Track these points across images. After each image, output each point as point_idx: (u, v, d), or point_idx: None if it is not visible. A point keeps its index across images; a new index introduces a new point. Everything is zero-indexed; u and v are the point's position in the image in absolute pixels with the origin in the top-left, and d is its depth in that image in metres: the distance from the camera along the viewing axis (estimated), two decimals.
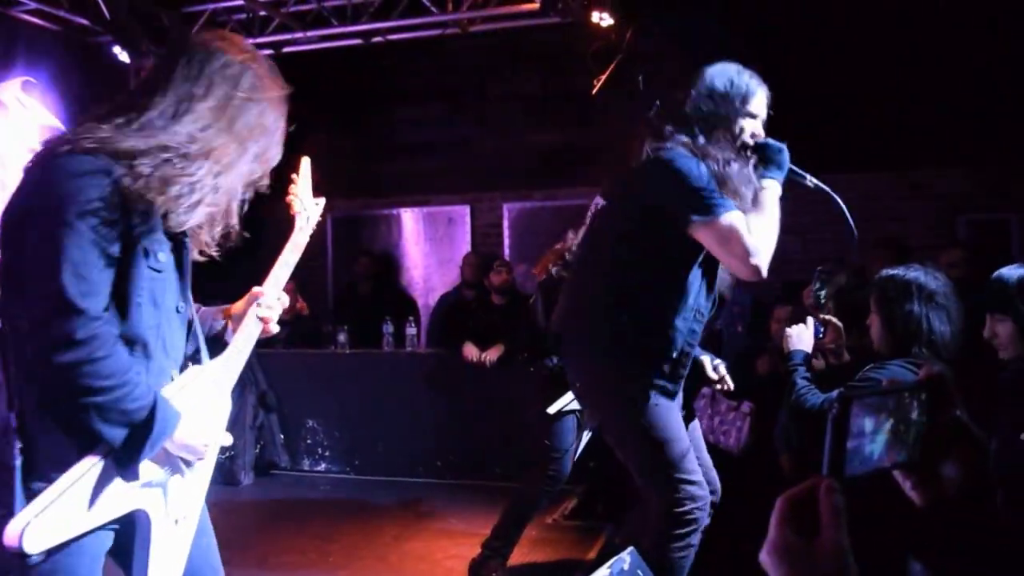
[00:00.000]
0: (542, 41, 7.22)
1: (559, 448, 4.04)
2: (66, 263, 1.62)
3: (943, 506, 0.98)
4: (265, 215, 2.14)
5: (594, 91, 6.01)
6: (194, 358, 1.98)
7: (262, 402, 6.42)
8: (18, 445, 1.67)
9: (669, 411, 2.67)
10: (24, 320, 1.67)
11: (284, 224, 2.28)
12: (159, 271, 1.80)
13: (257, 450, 6.42)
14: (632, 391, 2.63)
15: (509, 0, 6.44)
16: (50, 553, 1.65)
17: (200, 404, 1.90)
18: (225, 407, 2.02)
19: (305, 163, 2.30)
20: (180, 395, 1.85)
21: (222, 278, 2.15)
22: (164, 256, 1.81)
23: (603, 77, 5.95)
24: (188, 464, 1.90)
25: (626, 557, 2.17)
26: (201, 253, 1.96)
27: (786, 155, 2.65)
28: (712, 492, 2.76)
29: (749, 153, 2.63)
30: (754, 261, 2.47)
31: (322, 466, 6.53)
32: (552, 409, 3.97)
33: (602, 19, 6.04)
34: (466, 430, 6.15)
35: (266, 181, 1.98)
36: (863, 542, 0.93)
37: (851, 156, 6.66)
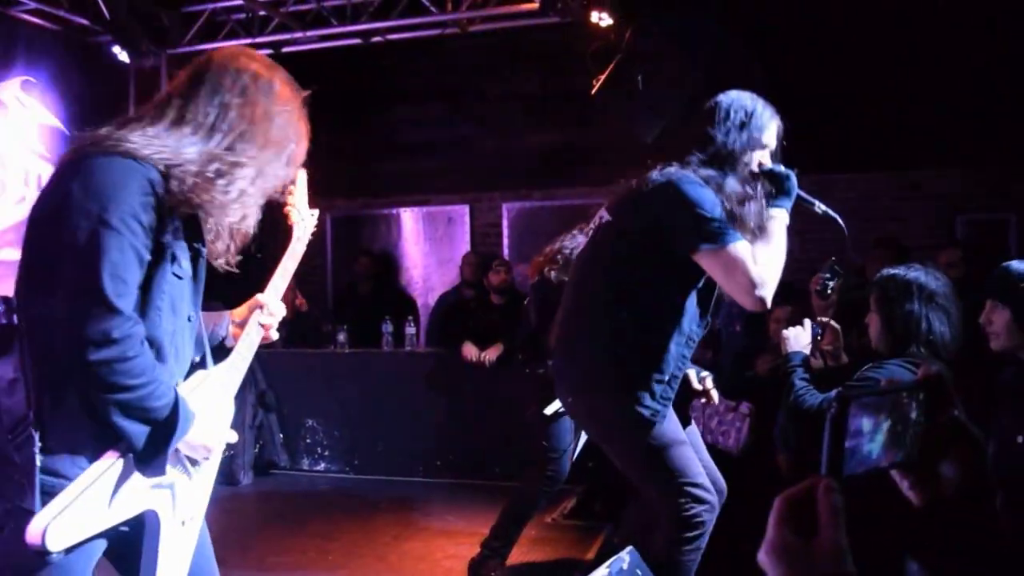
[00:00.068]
0: (541, 41, 7.22)
1: (556, 448, 4.04)
2: (107, 263, 1.66)
3: (941, 506, 0.98)
4: (263, 225, 2.17)
5: (593, 91, 6.01)
6: (199, 363, 2.01)
7: (261, 401, 6.42)
8: (38, 443, 1.68)
9: (663, 418, 2.68)
10: (52, 316, 1.69)
11: (282, 234, 2.30)
12: (180, 278, 1.85)
13: (256, 449, 6.42)
14: (625, 410, 2.63)
15: (508, 0, 6.45)
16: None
17: (208, 406, 1.94)
18: (229, 411, 2.05)
19: (302, 175, 2.33)
20: (191, 397, 1.89)
21: (221, 285, 2.17)
22: (186, 264, 1.86)
23: (602, 77, 5.94)
24: (195, 464, 1.94)
25: (625, 556, 2.18)
26: (213, 264, 1.99)
27: (794, 182, 2.65)
28: (718, 492, 2.77)
29: (758, 181, 2.63)
30: (759, 293, 2.48)
31: (321, 465, 6.54)
32: (549, 410, 3.97)
33: (601, 19, 6.04)
34: (465, 429, 6.15)
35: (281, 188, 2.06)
36: (861, 542, 0.93)
37: (850, 156, 6.67)
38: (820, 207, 2.73)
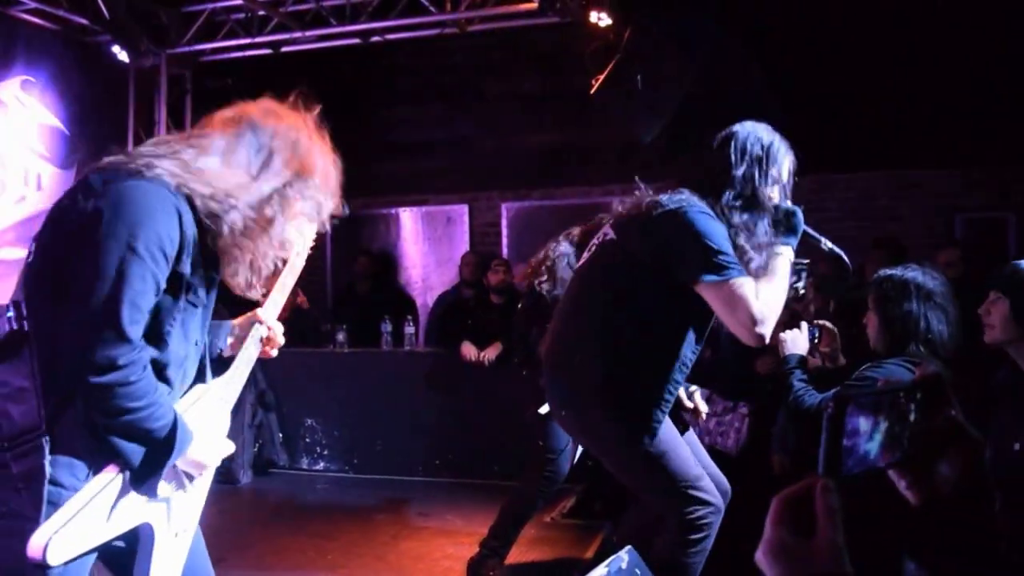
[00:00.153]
0: (540, 41, 7.22)
1: (554, 448, 4.04)
2: (128, 291, 1.68)
3: (938, 506, 0.98)
4: None
5: (592, 91, 6.01)
6: (199, 377, 2.02)
7: (261, 401, 6.42)
8: (48, 454, 1.68)
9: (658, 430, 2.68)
10: (61, 328, 1.70)
11: None
12: (196, 306, 1.87)
13: (256, 449, 6.42)
14: (619, 429, 2.63)
15: (507, 0, 6.45)
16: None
17: (206, 422, 1.96)
18: (226, 424, 2.07)
19: None
20: (189, 413, 1.90)
21: (219, 299, 2.18)
22: (202, 291, 1.88)
23: (601, 77, 5.94)
24: (191, 479, 1.95)
25: (624, 556, 2.18)
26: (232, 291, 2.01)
27: (800, 218, 2.63)
28: (722, 494, 2.76)
29: (766, 216, 2.61)
30: (759, 329, 2.46)
31: (321, 465, 6.53)
32: (544, 409, 3.97)
33: (600, 19, 6.04)
34: (464, 429, 6.15)
35: None
36: (858, 541, 0.93)
37: (849, 156, 6.67)
38: (826, 244, 2.72)
